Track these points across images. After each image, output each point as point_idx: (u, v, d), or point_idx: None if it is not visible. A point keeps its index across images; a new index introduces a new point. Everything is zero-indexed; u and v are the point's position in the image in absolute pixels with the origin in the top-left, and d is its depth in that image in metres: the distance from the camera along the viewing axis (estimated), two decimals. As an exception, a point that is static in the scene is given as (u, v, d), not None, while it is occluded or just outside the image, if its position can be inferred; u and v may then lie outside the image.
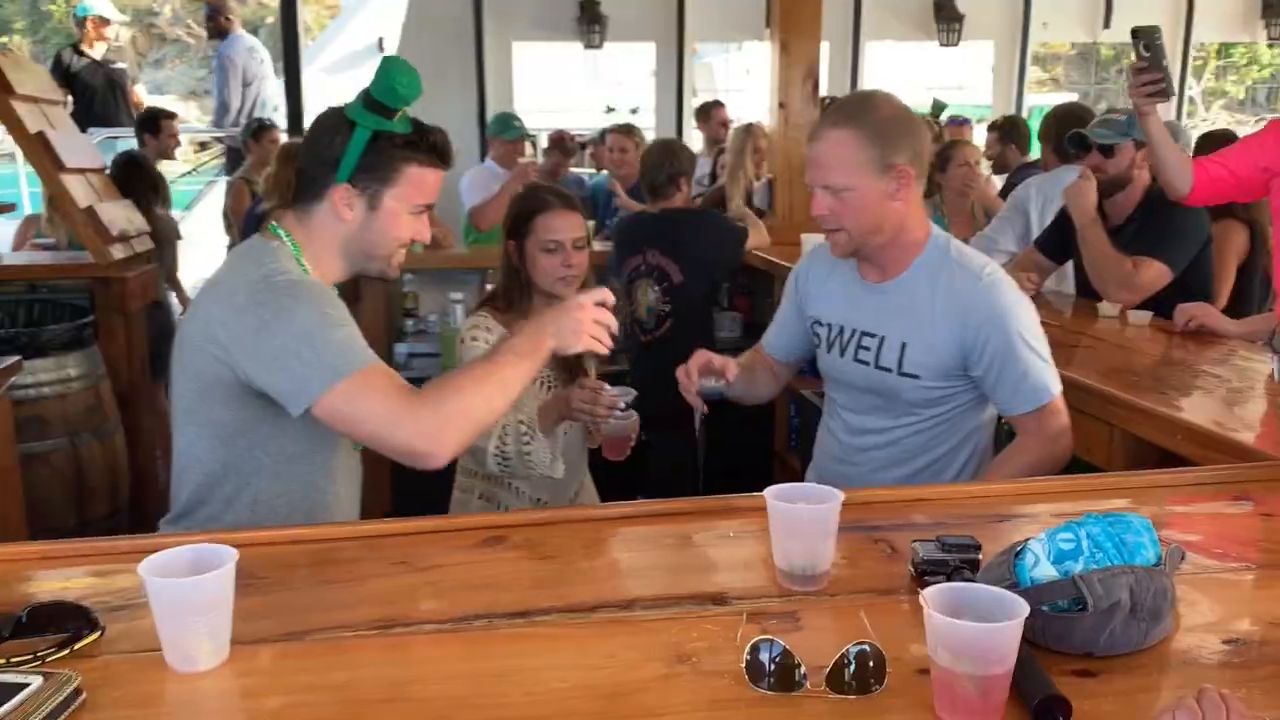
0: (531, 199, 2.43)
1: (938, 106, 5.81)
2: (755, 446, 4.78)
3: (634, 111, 5.75)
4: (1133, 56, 2.90)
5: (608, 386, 2.24)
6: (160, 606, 1.13)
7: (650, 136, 7.88)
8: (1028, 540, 1.24)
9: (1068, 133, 3.41)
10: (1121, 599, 1.12)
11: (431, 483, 2.68)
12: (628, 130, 5.52)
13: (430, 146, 1.77)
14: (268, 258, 1.72)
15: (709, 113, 6.58)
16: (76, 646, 1.18)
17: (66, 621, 1.21)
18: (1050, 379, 2.01)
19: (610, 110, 5.94)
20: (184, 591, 1.13)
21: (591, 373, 2.56)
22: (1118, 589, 1.13)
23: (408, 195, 1.76)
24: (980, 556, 1.32)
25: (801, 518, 1.31)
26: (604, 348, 1.72)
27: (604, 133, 5.66)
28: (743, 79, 9.85)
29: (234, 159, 7.51)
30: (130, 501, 4.36)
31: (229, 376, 1.67)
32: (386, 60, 1.73)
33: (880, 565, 1.42)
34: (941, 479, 2.09)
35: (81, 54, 6.96)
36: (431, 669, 1.16)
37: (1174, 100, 8.17)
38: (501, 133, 5.50)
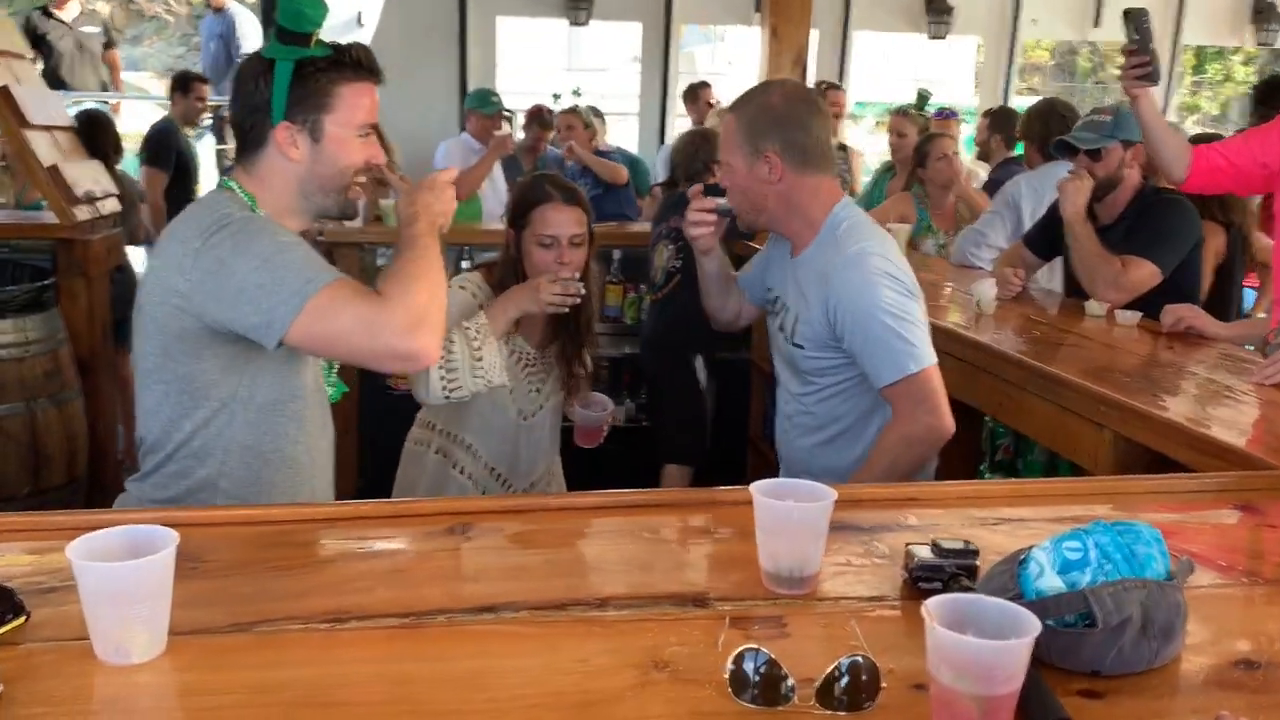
0: (533, 189, 2.32)
1: (922, 98, 5.69)
2: (731, 435, 4.71)
3: (577, 94, 5.91)
4: (1124, 39, 2.82)
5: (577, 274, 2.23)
6: (90, 593, 1.03)
7: (634, 119, 7.80)
8: (1031, 548, 1.16)
9: (1052, 138, 3.35)
10: (1133, 615, 1.05)
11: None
12: (573, 110, 5.68)
13: (355, 62, 1.70)
14: (218, 205, 1.66)
15: (696, 93, 6.48)
16: (-1, 632, 1.08)
17: (-12, 605, 1.11)
18: (909, 356, 2.00)
19: (557, 97, 6.13)
20: (118, 578, 1.03)
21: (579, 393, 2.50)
22: (1129, 604, 1.05)
23: (348, 117, 1.69)
24: (978, 563, 1.25)
25: (791, 516, 1.22)
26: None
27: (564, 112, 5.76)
28: (725, 68, 9.74)
29: (219, 128, 7.35)
30: (88, 471, 4.23)
31: (193, 326, 1.60)
32: None
33: (871, 569, 1.33)
34: (855, 448, 2.16)
35: (50, 16, 6.77)
36: (386, 669, 1.07)
37: (1160, 98, 8.17)
38: (480, 107, 5.42)
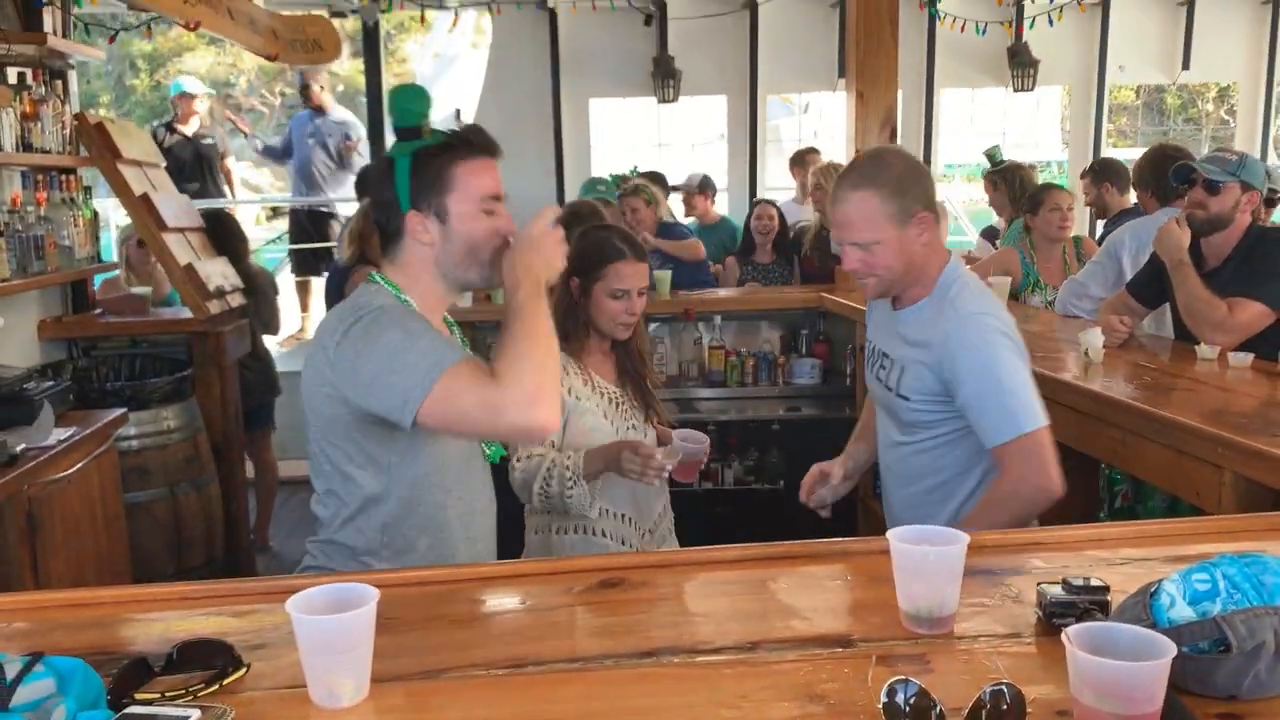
0: (606, 246, 2.48)
1: (991, 156, 5.71)
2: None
3: (634, 173, 5.84)
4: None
5: (658, 453, 2.29)
6: (306, 643, 1.17)
7: (724, 187, 7.98)
8: (1161, 581, 1.23)
9: (1174, 165, 3.37)
10: (1267, 640, 1.11)
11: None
12: (634, 190, 5.51)
13: (465, 140, 1.82)
14: (361, 297, 1.81)
15: (803, 158, 6.61)
16: (225, 682, 1.22)
17: (213, 658, 1.25)
18: (1022, 416, 2.05)
19: (634, 171, 5.98)
20: (331, 629, 1.16)
21: (661, 419, 2.62)
22: (1262, 630, 1.11)
23: (469, 193, 1.79)
24: (1110, 598, 1.31)
25: (928, 560, 1.31)
26: (562, 264, 1.81)
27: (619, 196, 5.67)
28: (810, 138, 9.91)
29: (295, 224, 7.64)
30: (224, 552, 4.46)
31: (343, 411, 1.75)
32: (392, 90, 1.84)
33: (1005, 608, 1.41)
34: (951, 502, 2.22)
35: (173, 130, 7.26)
36: (566, 708, 1.18)
37: (1258, 141, 8.02)
38: (586, 195, 5.54)
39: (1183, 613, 1.18)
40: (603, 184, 5.64)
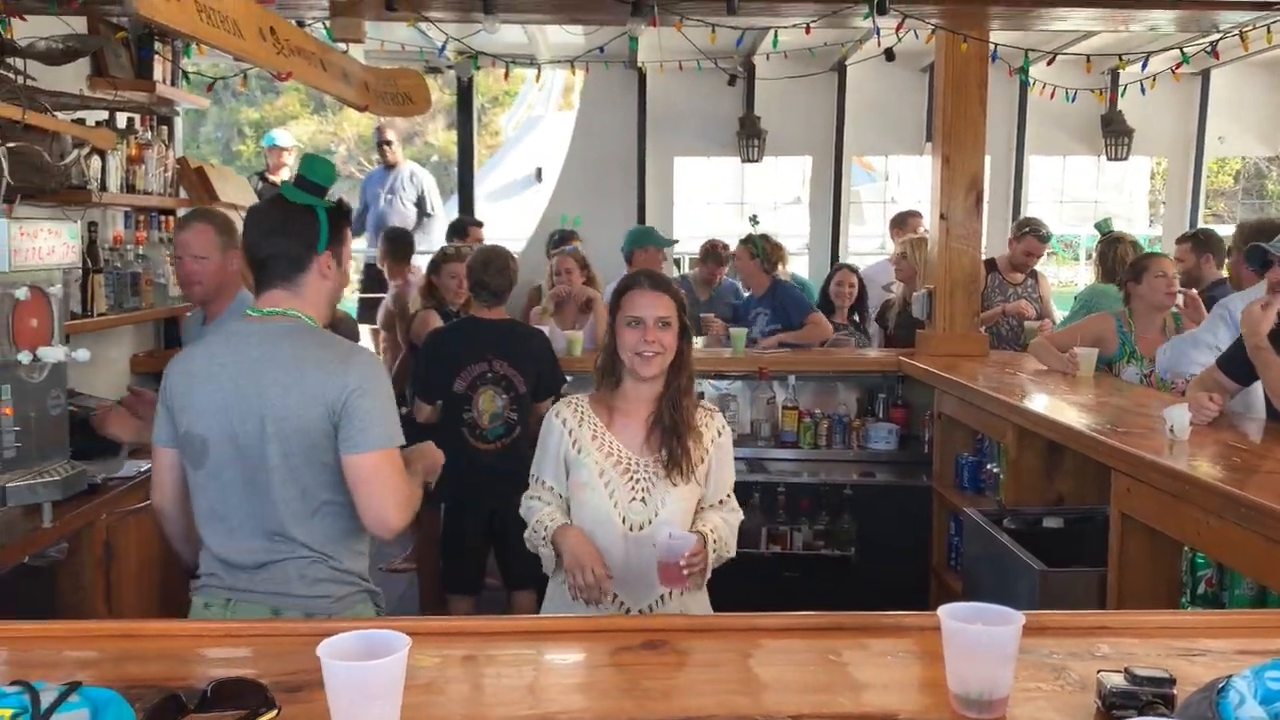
0: (629, 280, 2.54)
1: (1100, 228, 5.60)
2: (910, 561, 4.63)
3: (755, 221, 5.72)
4: None
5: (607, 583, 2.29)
6: (335, 689, 1.16)
7: (805, 247, 7.95)
8: (1230, 677, 1.15)
9: (1246, 249, 3.25)
10: (1343, 748, 1.03)
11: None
12: (746, 241, 5.50)
13: (349, 211, 2.30)
14: (324, 334, 2.15)
15: (905, 220, 6.57)
16: (255, 723, 1.22)
17: (246, 699, 1.25)
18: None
19: (755, 221, 5.84)
20: (360, 675, 1.16)
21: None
22: (1338, 737, 1.03)
23: (347, 251, 2.25)
24: (1175, 692, 1.23)
25: (980, 641, 1.25)
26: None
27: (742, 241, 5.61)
28: (890, 204, 9.83)
29: (369, 274, 7.82)
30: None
31: (330, 429, 2.02)
32: (307, 156, 2.24)
33: (1061, 695, 1.33)
34: None
35: (265, 180, 7.55)
36: (593, 772, 1.15)
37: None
38: (644, 244, 5.39)
39: (1253, 713, 1.10)
40: (657, 232, 5.67)
